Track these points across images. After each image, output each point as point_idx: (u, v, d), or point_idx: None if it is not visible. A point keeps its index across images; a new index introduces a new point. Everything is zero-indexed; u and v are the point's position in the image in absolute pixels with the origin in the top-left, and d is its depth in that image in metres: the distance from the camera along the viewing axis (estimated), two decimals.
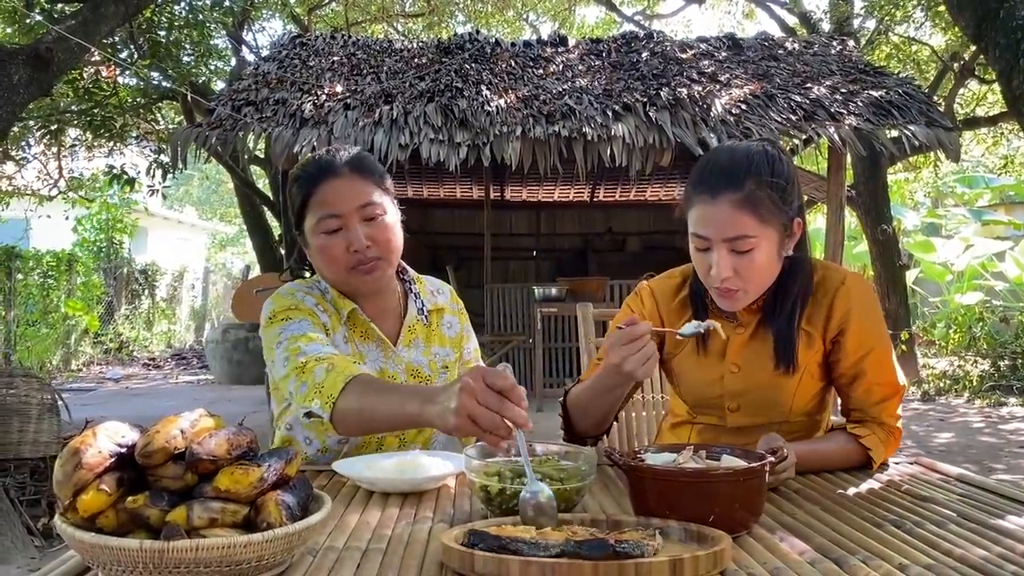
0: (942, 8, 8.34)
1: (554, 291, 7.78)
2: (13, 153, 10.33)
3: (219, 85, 10.25)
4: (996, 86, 7.71)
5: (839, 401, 1.69)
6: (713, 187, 1.47)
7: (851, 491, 1.39)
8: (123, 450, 0.96)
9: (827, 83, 7.31)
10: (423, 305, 1.79)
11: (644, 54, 8.26)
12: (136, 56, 8.57)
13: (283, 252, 7.94)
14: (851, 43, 8.85)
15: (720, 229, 1.46)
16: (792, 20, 12.55)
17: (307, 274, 1.86)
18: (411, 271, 1.82)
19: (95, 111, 9.04)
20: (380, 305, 1.73)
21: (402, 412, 1.32)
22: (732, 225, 1.45)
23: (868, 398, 1.59)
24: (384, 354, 1.71)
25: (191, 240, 22.38)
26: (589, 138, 6.38)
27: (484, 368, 1.19)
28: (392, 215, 1.67)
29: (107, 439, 0.96)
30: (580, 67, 8.00)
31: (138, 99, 9.99)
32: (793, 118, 6.63)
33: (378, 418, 1.41)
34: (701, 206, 1.48)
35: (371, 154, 1.72)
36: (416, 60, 8.05)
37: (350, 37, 9.06)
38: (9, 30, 8.61)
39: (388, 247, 1.64)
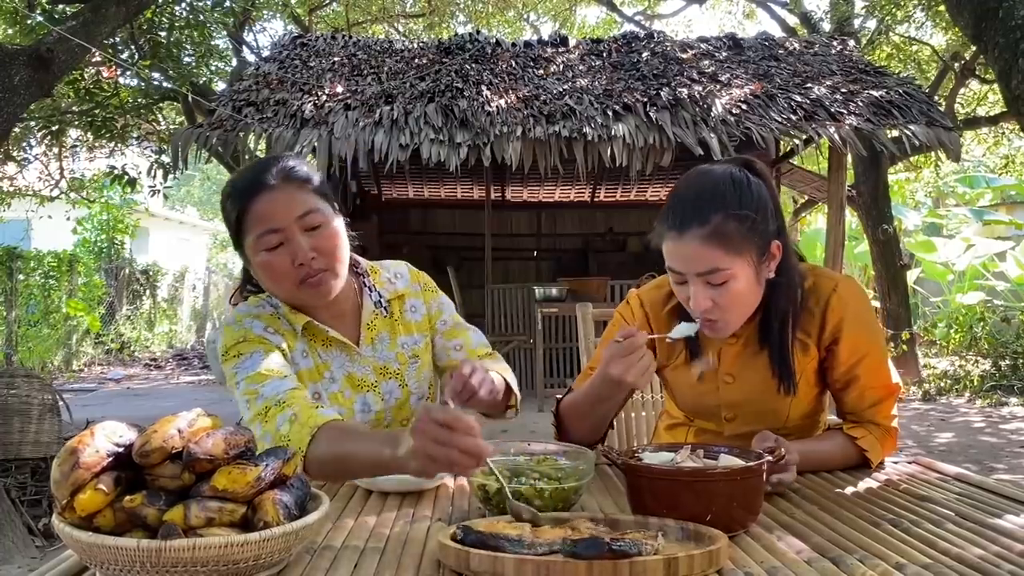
0: (942, 8, 8.34)
1: (555, 291, 7.78)
2: (14, 154, 10.34)
3: (220, 86, 10.25)
4: (997, 86, 7.71)
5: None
6: (679, 223, 1.44)
7: (849, 490, 1.39)
8: (121, 450, 0.96)
9: (828, 83, 7.32)
10: (380, 297, 1.72)
11: (644, 54, 8.26)
12: (137, 57, 8.57)
13: None
14: (852, 43, 8.85)
15: (690, 265, 1.44)
16: (793, 20, 12.55)
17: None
18: (363, 262, 1.74)
19: (96, 112, 9.04)
20: (335, 308, 1.65)
21: (380, 459, 1.28)
22: (701, 260, 1.43)
23: (862, 402, 1.59)
24: (349, 358, 1.66)
25: (192, 240, 22.39)
26: (589, 138, 6.38)
27: (428, 406, 1.19)
28: (336, 222, 1.57)
29: (105, 439, 0.96)
30: (580, 67, 8.01)
31: (139, 100, 9.99)
32: (793, 118, 6.63)
33: (350, 468, 1.37)
34: (670, 242, 1.46)
35: (306, 161, 1.65)
36: (417, 60, 8.06)
37: (351, 37, 9.07)
38: (10, 31, 8.62)
39: (334, 256, 1.55)
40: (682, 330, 1.49)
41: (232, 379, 1.53)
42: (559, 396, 1.72)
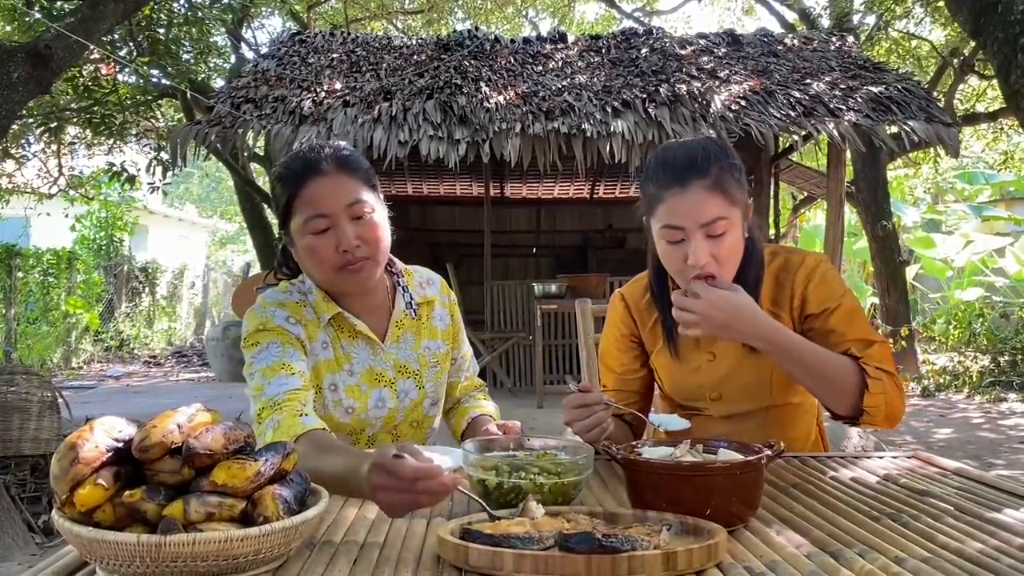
0: (941, 3, 8.33)
1: (554, 288, 7.78)
2: (13, 151, 10.33)
3: (219, 82, 10.24)
4: (996, 82, 7.71)
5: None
6: (681, 177, 1.49)
7: (848, 484, 1.39)
8: (120, 445, 0.96)
9: (826, 79, 7.31)
10: (411, 298, 1.74)
11: (643, 50, 8.25)
12: (136, 53, 8.56)
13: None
14: (851, 39, 8.84)
15: (696, 215, 1.47)
16: (792, 16, 12.53)
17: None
18: (399, 263, 1.77)
19: (95, 109, 9.04)
20: (367, 302, 1.68)
21: (345, 485, 1.24)
22: (707, 209, 1.47)
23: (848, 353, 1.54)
24: (373, 352, 1.68)
25: (191, 238, 22.38)
26: (588, 135, 6.38)
27: (382, 458, 1.11)
28: (380, 213, 1.61)
29: (104, 434, 0.96)
30: (579, 64, 8.00)
31: (138, 96, 9.99)
32: (792, 114, 6.62)
33: (327, 481, 1.25)
34: (672, 198, 1.49)
35: (356, 150, 1.68)
36: (415, 57, 8.05)
37: (349, 34, 9.05)
38: (9, 28, 8.61)
39: (377, 246, 1.58)
40: (676, 424, 1.50)
41: (248, 368, 1.57)
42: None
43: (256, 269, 14.04)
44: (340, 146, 1.63)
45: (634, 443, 1.33)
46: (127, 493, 0.93)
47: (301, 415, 1.46)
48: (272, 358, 1.54)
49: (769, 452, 1.18)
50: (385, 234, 1.61)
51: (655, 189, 1.52)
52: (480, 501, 1.16)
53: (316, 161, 1.57)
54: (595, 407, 1.46)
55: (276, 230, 11.17)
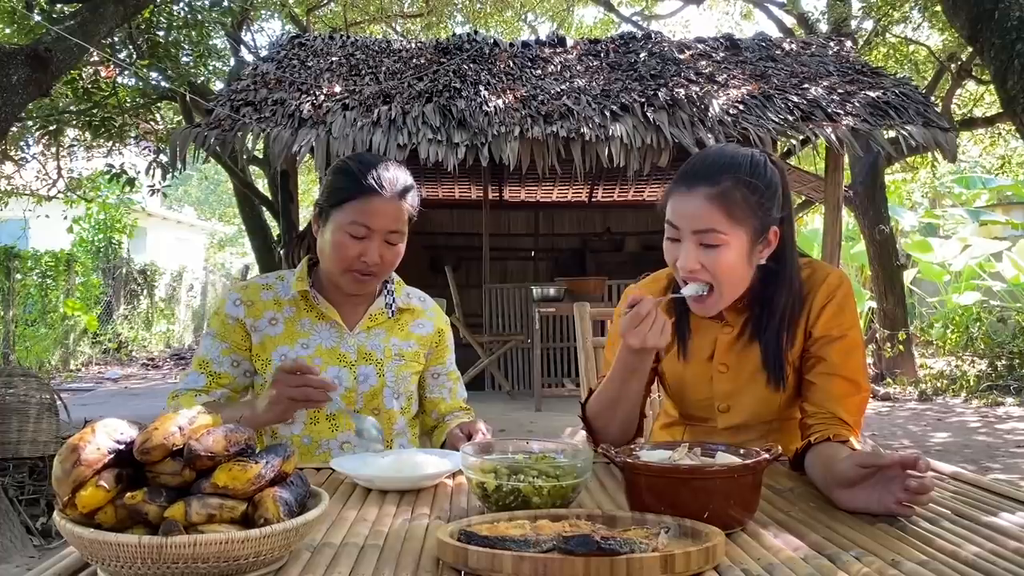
0: (939, 9, 8.35)
1: (552, 291, 7.79)
2: (12, 153, 10.33)
3: (218, 85, 10.25)
4: (993, 86, 7.73)
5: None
6: (690, 180, 1.49)
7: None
8: (122, 447, 0.97)
9: (824, 83, 7.32)
10: (393, 301, 1.87)
11: (642, 55, 8.27)
12: (135, 56, 8.56)
13: (282, 252, 7.93)
14: (848, 44, 8.86)
15: (690, 221, 1.47)
16: (790, 21, 12.56)
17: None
18: (396, 277, 1.91)
19: (94, 111, 9.03)
20: (350, 293, 1.81)
21: (236, 419, 1.49)
22: (702, 218, 1.46)
23: (829, 391, 1.53)
24: (337, 335, 1.81)
25: (190, 240, 22.37)
26: (587, 138, 6.39)
27: (281, 364, 1.60)
28: (404, 240, 1.77)
29: (106, 436, 0.96)
30: (578, 67, 8.01)
31: (137, 99, 9.98)
32: (790, 118, 6.64)
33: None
34: (676, 196, 1.50)
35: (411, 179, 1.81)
36: (414, 60, 8.06)
37: (348, 37, 9.06)
38: (8, 30, 8.61)
39: (390, 268, 1.77)
40: (692, 289, 1.51)
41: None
42: (581, 402, 1.73)
43: (254, 272, 14.03)
44: (406, 176, 1.78)
45: (632, 446, 1.33)
46: (128, 495, 0.94)
47: (197, 397, 1.76)
48: (202, 349, 1.81)
49: (767, 456, 1.18)
50: (398, 260, 1.77)
51: (671, 184, 1.54)
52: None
53: (385, 182, 1.72)
54: (654, 311, 1.44)
55: (274, 233, 11.19)
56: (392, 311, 1.86)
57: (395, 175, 1.75)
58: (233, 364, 1.80)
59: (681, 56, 8.19)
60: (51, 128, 9.34)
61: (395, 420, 1.84)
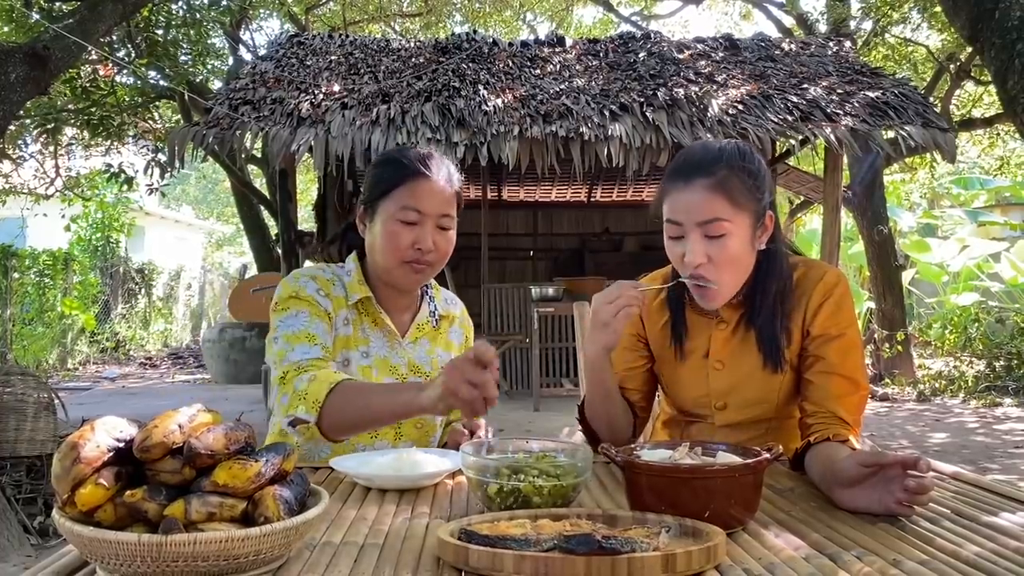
0: (938, 9, 8.36)
1: (551, 291, 7.79)
2: (10, 152, 10.32)
3: (216, 84, 10.25)
4: (992, 87, 7.73)
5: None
6: (687, 174, 1.50)
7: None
8: (121, 445, 0.96)
9: (823, 84, 7.33)
10: (435, 309, 1.84)
11: (641, 54, 8.27)
12: (134, 55, 8.56)
13: (280, 251, 7.92)
14: (848, 44, 8.86)
15: (693, 213, 1.48)
16: (789, 21, 12.57)
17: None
18: (433, 282, 1.87)
19: (92, 110, 9.03)
20: (399, 301, 1.78)
21: (397, 402, 1.45)
22: (705, 208, 1.47)
23: (827, 389, 1.53)
24: (390, 344, 1.75)
25: (188, 239, 22.35)
26: (586, 138, 6.39)
27: (472, 347, 1.35)
28: (455, 228, 1.73)
29: (105, 434, 0.96)
30: (577, 67, 8.01)
31: (136, 98, 9.98)
32: (790, 119, 6.64)
33: (373, 412, 1.49)
34: (675, 193, 1.51)
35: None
36: (413, 60, 8.05)
37: (347, 36, 9.06)
38: (7, 28, 8.60)
39: (444, 258, 1.71)
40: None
41: (272, 332, 1.66)
42: (579, 403, 1.76)
43: (253, 271, 14.02)
44: (450, 163, 1.76)
45: (633, 445, 1.33)
46: (128, 493, 0.94)
47: (338, 373, 1.58)
48: (299, 325, 1.63)
49: (768, 455, 1.18)
50: (451, 250, 1.73)
51: (665, 183, 1.54)
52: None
53: (431, 166, 1.69)
54: (623, 297, 1.49)
55: (273, 232, 11.17)
56: (435, 320, 1.83)
57: (440, 160, 1.72)
58: (330, 346, 1.68)
59: (680, 56, 8.20)
60: (49, 127, 9.33)
61: (433, 433, 1.81)
